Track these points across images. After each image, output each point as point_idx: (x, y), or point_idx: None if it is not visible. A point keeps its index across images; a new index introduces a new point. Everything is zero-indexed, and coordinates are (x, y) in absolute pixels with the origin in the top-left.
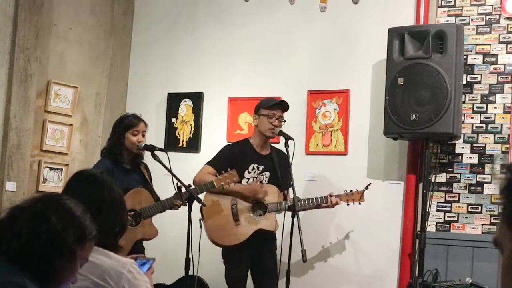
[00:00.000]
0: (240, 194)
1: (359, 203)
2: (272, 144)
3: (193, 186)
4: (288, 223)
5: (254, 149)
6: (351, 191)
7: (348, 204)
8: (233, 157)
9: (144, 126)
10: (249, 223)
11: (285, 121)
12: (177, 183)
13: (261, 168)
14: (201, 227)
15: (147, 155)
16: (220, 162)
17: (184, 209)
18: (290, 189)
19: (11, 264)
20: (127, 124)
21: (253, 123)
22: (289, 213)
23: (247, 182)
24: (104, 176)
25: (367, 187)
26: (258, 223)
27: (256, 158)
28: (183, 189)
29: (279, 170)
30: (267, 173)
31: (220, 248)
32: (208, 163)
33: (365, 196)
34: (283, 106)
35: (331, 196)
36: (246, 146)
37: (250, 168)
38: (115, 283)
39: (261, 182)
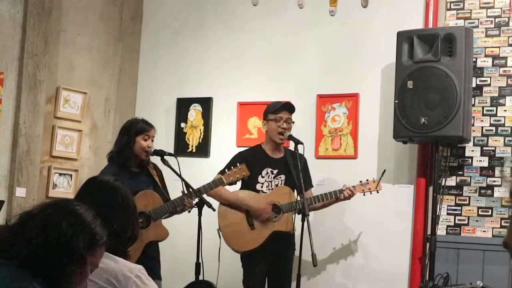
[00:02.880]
0: (251, 208)
1: (377, 192)
2: (285, 147)
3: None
4: (298, 227)
5: (267, 153)
6: (366, 180)
7: (364, 194)
8: (245, 164)
9: (154, 132)
10: (264, 226)
11: (293, 122)
12: (186, 183)
13: (275, 171)
14: (220, 237)
15: (157, 160)
16: None
17: (194, 214)
18: (311, 190)
19: (21, 269)
20: (139, 128)
21: (263, 129)
22: (299, 217)
23: (261, 186)
24: (118, 183)
25: (383, 174)
26: (273, 226)
27: (269, 163)
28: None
29: (295, 172)
30: (283, 176)
31: (237, 255)
32: (220, 172)
33: (381, 184)
34: (288, 108)
35: (344, 188)
36: (258, 151)
37: (264, 173)
38: (122, 287)
39: (277, 185)
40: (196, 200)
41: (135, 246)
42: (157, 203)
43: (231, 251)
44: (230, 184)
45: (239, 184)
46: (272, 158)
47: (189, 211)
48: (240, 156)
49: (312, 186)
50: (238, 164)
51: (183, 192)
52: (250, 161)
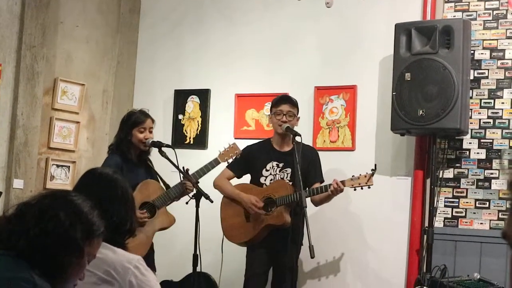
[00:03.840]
0: (242, 201)
1: (368, 187)
2: (297, 141)
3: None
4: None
5: (273, 147)
6: (358, 175)
7: (355, 189)
8: (250, 158)
9: (151, 122)
10: (258, 220)
11: (298, 116)
12: (183, 167)
13: (281, 165)
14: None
15: (154, 151)
16: (238, 164)
17: (192, 206)
18: (316, 184)
19: (19, 260)
20: (133, 121)
21: (268, 121)
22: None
23: (265, 180)
24: (117, 175)
25: (374, 169)
26: (266, 219)
27: (275, 156)
28: (190, 172)
29: (300, 166)
30: (289, 170)
31: (239, 248)
32: (227, 166)
33: (373, 179)
34: (287, 100)
35: (335, 181)
36: (266, 145)
37: (268, 166)
38: (121, 278)
39: (282, 178)
40: (194, 192)
41: (145, 236)
42: (157, 191)
43: (233, 244)
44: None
45: (247, 178)
46: (278, 151)
47: (190, 198)
48: (246, 150)
49: (321, 180)
50: (229, 143)
51: (183, 177)
52: (256, 155)
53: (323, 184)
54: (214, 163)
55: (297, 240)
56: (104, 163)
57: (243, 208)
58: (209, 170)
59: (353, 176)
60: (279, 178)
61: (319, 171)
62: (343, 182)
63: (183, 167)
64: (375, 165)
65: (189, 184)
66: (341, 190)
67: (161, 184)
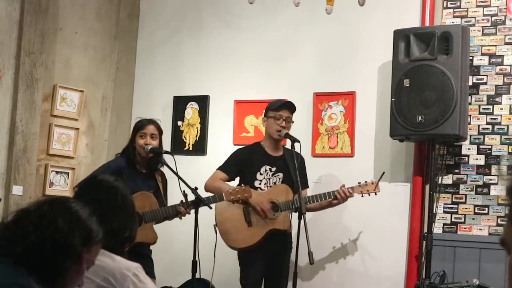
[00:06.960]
0: (250, 200)
1: (375, 194)
2: (284, 146)
3: (201, 192)
4: (295, 225)
5: (265, 151)
6: (365, 182)
7: (362, 196)
8: (243, 160)
9: (154, 129)
10: (262, 223)
11: (293, 122)
12: (183, 191)
13: (273, 169)
14: (216, 233)
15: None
16: (231, 166)
17: (191, 212)
18: (306, 190)
19: (17, 266)
20: (135, 127)
21: (262, 125)
22: (296, 215)
23: (259, 184)
24: (118, 182)
25: (381, 176)
26: (270, 223)
27: (267, 160)
28: (188, 198)
29: (293, 171)
30: (280, 174)
31: (234, 252)
32: (219, 168)
33: (379, 187)
34: (289, 106)
35: (342, 187)
36: (257, 148)
37: (262, 170)
38: (120, 285)
39: (275, 183)
40: (193, 198)
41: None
42: (153, 206)
43: (227, 249)
44: (233, 201)
45: (237, 180)
46: (271, 155)
47: (180, 218)
48: (238, 153)
49: (307, 187)
50: (243, 185)
51: (182, 201)
52: (248, 159)
53: (326, 191)
54: (217, 198)
55: (291, 245)
56: (106, 163)
57: (242, 211)
58: (210, 203)
59: (360, 182)
60: (272, 183)
61: (305, 178)
62: (352, 188)
63: (183, 191)
64: (383, 172)
65: (182, 211)
66: (349, 197)
67: (159, 201)
